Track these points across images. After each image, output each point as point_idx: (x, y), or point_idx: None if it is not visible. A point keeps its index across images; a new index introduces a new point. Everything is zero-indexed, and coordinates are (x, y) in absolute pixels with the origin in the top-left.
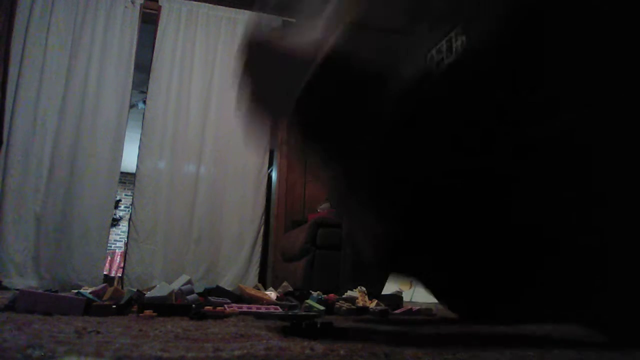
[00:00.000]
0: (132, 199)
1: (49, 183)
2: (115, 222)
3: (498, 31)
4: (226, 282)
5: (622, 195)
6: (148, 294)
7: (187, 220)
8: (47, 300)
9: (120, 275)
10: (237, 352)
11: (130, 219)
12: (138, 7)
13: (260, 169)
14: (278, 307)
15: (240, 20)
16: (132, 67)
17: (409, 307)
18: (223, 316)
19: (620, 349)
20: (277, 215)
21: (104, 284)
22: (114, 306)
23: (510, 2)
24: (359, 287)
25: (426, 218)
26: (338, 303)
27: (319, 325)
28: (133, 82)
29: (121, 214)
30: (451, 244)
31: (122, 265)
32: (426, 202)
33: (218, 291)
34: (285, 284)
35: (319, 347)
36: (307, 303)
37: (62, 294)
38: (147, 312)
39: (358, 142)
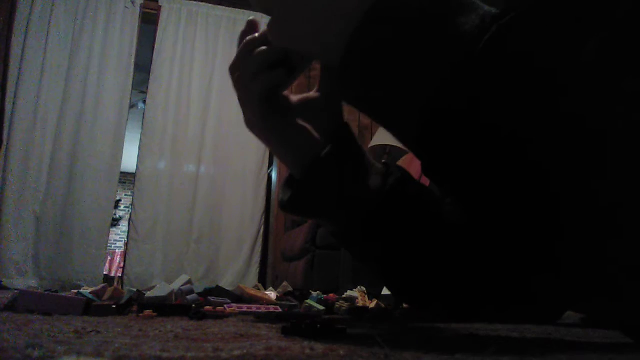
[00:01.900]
0: (132, 199)
1: (49, 183)
2: (115, 222)
3: None
4: (226, 282)
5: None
6: (148, 294)
7: (187, 220)
8: (47, 300)
9: (120, 275)
10: (236, 352)
11: (130, 219)
12: (138, 7)
13: (260, 169)
14: (278, 307)
15: (240, 20)
16: (132, 67)
17: (409, 307)
18: (223, 316)
19: (621, 349)
20: (277, 215)
21: (104, 284)
22: (114, 306)
23: None
24: (359, 287)
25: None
26: (338, 303)
27: (319, 325)
28: (133, 82)
29: (121, 214)
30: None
31: (122, 265)
32: None
33: (218, 291)
34: (285, 284)
35: (319, 347)
36: (307, 303)
37: (62, 294)
38: (147, 312)
39: None
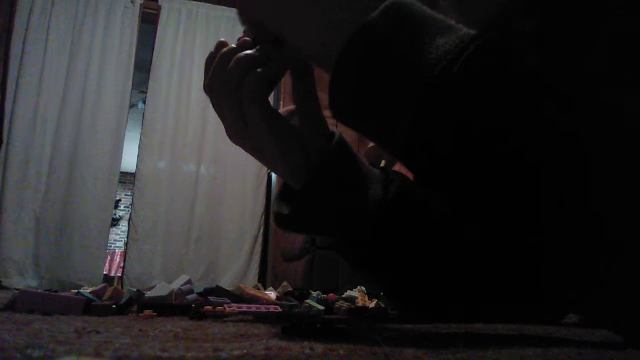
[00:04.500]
0: (132, 199)
1: (49, 183)
2: (115, 222)
3: None
4: (226, 282)
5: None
6: (148, 294)
7: (187, 220)
8: (47, 300)
9: (120, 275)
10: (237, 352)
11: (130, 219)
12: (138, 7)
13: (261, 168)
14: (278, 307)
15: None
16: (132, 67)
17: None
18: (223, 316)
19: (621, 349)
20: None
21: (104, 284)
22: (114, 306)
23: None
24: (359, 287)
25: None
26: (338, 303)
27: (319, 325)
28: (133, 82)
29: (121, 214)
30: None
31: (122, 265)
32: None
33: (218, 291)
34: (285, 284)
35: (319, 347)
36: (307, 303)
37: (62, 294)
38: (147, 312)
39: None
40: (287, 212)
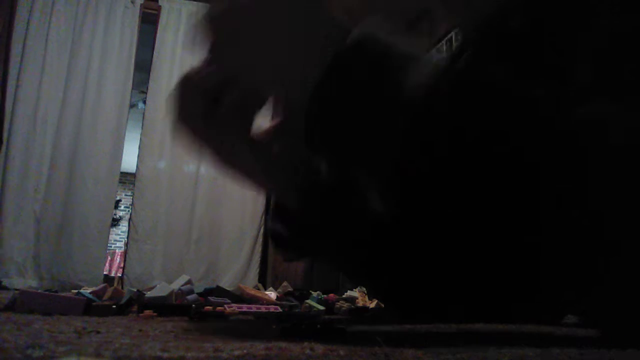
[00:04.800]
0: (132, 199)
1: (49, 183)
2: (115, 222)
3: None
4: (226, 282)
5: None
6: (148, 294)
7: (187, 220)
8: (47, 300)
9: (120, 275)
10: (237, 352)
11: (130, 219)
12: (138, 7)
13: None
14: (278, 307)
15: None
16: (132, 67)
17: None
18: (223, 316)
19: (621, 348)
20: None
21: (104, 284)
22: (114, 306)
23: None
24: (359, 287)
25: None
26: (338, 303)
27: (319, 326)
28: (133, 82)
29: (121, 214)
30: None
31: (122, 265)
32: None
33: (218, 291)
34: (285, 284)
35: (319, 347)
36: (307, 303)
37: (62, 294)
38: (147, 312)
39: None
40: (283, 232)
